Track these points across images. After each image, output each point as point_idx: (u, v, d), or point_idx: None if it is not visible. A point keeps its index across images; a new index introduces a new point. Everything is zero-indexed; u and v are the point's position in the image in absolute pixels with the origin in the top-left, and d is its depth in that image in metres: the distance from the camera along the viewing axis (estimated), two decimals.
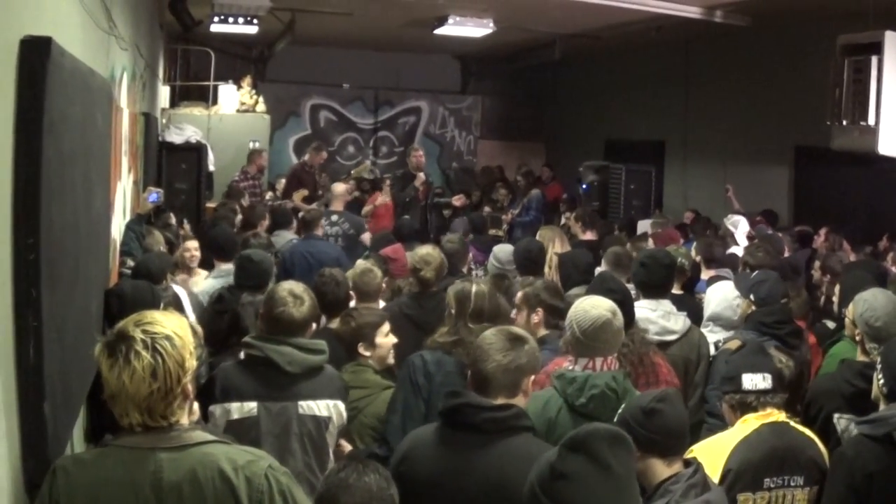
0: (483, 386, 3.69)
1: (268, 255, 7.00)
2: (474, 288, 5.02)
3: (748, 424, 4.27)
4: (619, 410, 3.82)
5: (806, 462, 4.19)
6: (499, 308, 4.94)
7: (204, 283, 7.79)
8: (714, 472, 4.10)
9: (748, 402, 4.28)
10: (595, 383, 4.15)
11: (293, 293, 4.64)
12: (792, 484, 4.16)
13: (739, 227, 10.57)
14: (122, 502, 2.75)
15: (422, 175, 13.48)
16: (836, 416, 4.80)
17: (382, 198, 13.55)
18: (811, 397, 4.95)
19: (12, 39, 2.94)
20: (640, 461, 3.44)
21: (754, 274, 6.55)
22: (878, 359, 4.31)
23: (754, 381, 4.24)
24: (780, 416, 4.28)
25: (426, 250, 6.76)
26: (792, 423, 4.33)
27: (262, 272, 6.41)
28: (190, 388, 2.86)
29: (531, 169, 17.63)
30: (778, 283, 6.16)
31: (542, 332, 5.41)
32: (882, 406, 4.21)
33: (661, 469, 3.54)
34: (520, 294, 5.72)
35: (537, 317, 5.54)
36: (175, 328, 2.82)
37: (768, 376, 4.26)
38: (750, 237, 10.33)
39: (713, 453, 4.20)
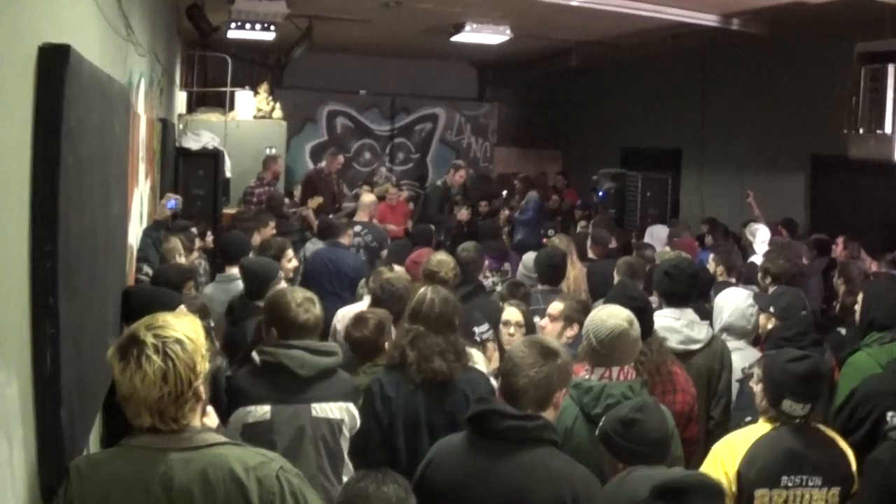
0: (513, 399, 3.69)
1: (270, 262, 6.98)
2: (422, 290, 4.95)
3: (771, 423, 4.29)
4: (600, 423, 3.82)
5: (824, 463, 4.18)
6: (441, 318, 4.75)
7: (205, 288, 7.86)
8: (732, 466, 4.16)
9: (779, 418, 4.27)
10: (611, 393, 4.15)
11: (306, 297, 4.70)
12: (810, 484, 4.15)
13: (758, 235, 10.51)
14: (133, 501, 2.77)
15: (465, 213, 13.70)
16: (889, 413, 4.77)
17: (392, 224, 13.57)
18: (860, 399, 4.92)
19: (31, 46, 2.94)
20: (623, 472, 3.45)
21: (773, 289, 6.53)
22: None
23: (794, 408, 4.19)
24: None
25: (440, 256, 6.76)
26: (813, 424, 4.31)
27: (261, 280, 6.48)
28: (202, 390, 2.87)
29: (529, 175, 17.68)
30: (797, 296, 6.12)
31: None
32: None
33: None
34: (561, 307, 5.66)
35: (572, 332, 5.52)
36: (187, 331, 2.84)
37: (808, 406, 4.21)
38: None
39: (733, 447, 4.24)
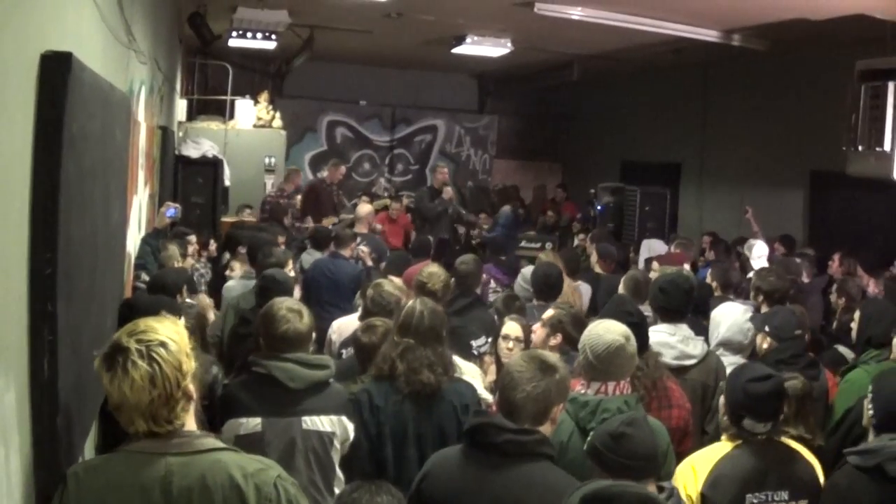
0: (511, 413, 3.68)
1: (288, 275, 6.98)
2: (410, 302, 4.95)
3: (733, 440, 4.28)
4: (589, 437, 3.81)
5: (789, 477, 4.17)
6: (430, 331, 4.78)
7: (228, 282, 8.09)
8: (695, 489, 4.13)
9: (741, 434, 4.26)
10: (607, 407, 4.14)
11: (291, 308, 4.67)
12: (776, 499, 4.13)
13: (754, 251, 10.49)
14: None
15: (449, 189, 13.69)
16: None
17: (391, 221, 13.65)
18: (857, 418, 4.89)
19: (33, 54, 2.95)
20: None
21: (768, 308, 6.52)
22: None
23: (755, 427, 4.20)
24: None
25: (432, 269, 6.72)
26: (777, 438, 4.30)
27: (276, 294, 6.41)
28: (192, 388, 2.89)
29: (509, 186, 17.65)
30: (791, 315, 6.10)
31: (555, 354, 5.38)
32: (871, 437, 4.20)
33: None
34: (551, 312, 5.68)
35: (555, 340, 5.52)
36: (169, 333, 2.85)
37: (769, 424, 4.21)
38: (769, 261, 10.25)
39: (696, 469, 4.21)
